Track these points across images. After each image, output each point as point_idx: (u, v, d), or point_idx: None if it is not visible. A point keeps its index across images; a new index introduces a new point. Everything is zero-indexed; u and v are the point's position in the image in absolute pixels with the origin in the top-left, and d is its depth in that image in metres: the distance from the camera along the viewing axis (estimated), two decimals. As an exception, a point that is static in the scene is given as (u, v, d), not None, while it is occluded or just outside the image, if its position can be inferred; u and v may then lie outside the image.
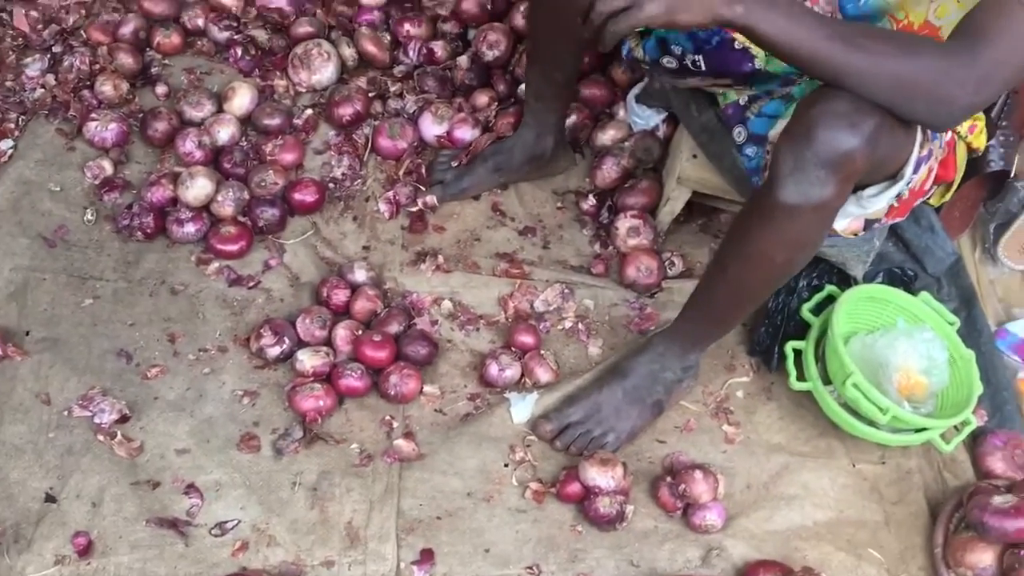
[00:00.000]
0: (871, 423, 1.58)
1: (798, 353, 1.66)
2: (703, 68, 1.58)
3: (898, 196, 1.40)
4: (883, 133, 1.21)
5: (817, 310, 1.71)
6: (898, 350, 1.61)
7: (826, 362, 1.63)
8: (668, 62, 1.62)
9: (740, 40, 1.52)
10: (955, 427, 1.60)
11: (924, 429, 1.57)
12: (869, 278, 1.77)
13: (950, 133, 1.50)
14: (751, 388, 1.72)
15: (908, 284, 1.77)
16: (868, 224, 1.47)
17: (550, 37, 1.66)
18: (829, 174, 1.22)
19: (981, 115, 1.56)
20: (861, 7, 1.42)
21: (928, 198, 1.60)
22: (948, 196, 1.62)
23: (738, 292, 1.46)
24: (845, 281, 1.75)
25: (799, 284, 1.74)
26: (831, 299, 1.70)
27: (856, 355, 1.60)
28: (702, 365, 1.68)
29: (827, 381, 1.63)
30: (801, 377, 1.64)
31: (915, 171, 1.34)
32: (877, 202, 1.38)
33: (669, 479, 1.55)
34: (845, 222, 1.44)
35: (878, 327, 1.69)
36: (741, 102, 1.61)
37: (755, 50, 1.53)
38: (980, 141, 1.56)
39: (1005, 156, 1.84)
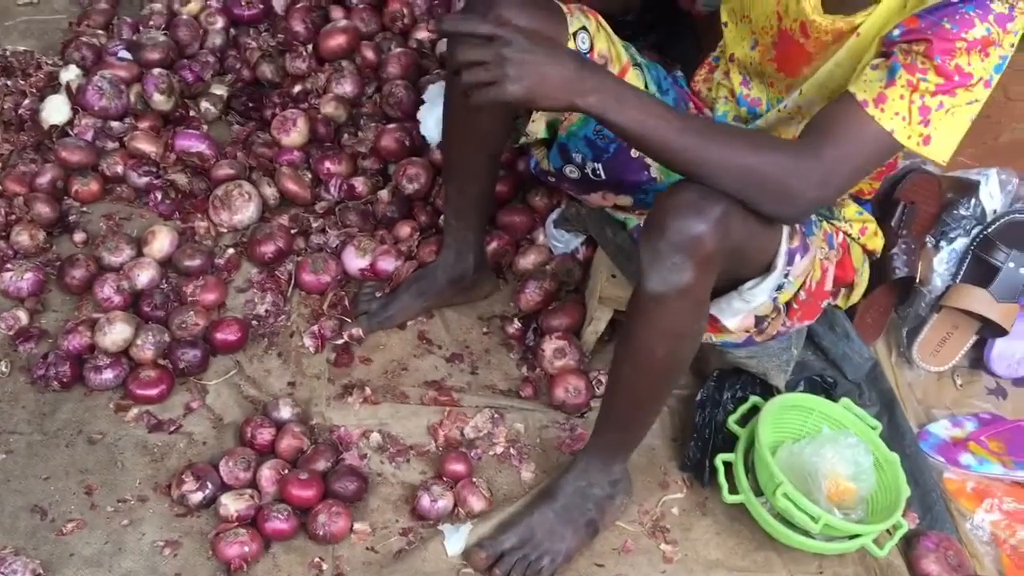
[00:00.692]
0: (805, 533, 1.58)
1: (728, 466, 1.67)
2: (603, 177, 1.65)
3: (784, 291, 1.46)
4: (732, 219, 1.28)
5: (743, 421, 1.73)
6: (825, 457, 1.63)
7: (756, 473, 1.64)
8: (571, 171, 1.68)
9: (636, 150, 1.60)
10: (887, 531, 1.61)
11: (857, 536, 1.58)
12: (791, 387, 1.80)
13: (842, 235, 1.58)
14: (686, 504, 1.72)
15: (829, 391, 1.81)
16: (759, 321, 1.51)
17: (463, 151, 1.71)
18: (684, 259, 1.28)
19: (871, 218, 1.65)
20: None
21: (835, 301, 1.66)
22: (854, 298, 1.69)
23: (634, 394, 1.49)
24: (769, 391, 1.78)
25: (724, 396, 1.77)
26: (756, 409, 1.72)
27: (784, 464, 1.62)
28: (636, 483, 1.68)
29: (759, 492, 1.64)
30: (733, 490, 1.65)
31: (790, 263, 1.40)
32: (758, 295, 1.44)
33: (609, 604, 1.52)
34: (736, 319, 1.49)
35: (803, 435, 1.72)
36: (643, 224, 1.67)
37: (649, 159, 1.61)
38: (875, 243, 1.64)
39: (909, 263, 1.93)
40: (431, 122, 2.06)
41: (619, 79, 1.30)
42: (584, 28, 1.56)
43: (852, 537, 1.59)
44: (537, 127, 1.68)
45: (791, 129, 1.51)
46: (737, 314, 1.50)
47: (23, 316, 1.79)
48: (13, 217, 1.92)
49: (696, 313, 1.39)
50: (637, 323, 1.40)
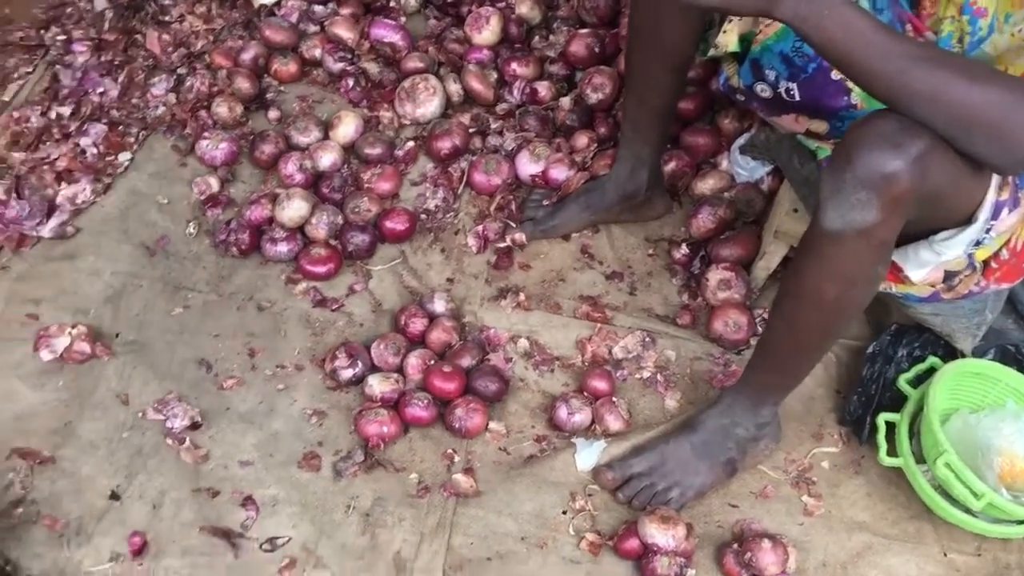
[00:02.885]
0: (967, 510, 1.45)
1: (891, 426, 1.55)
2: (798, 99, 1.51)
3: (983, 246, 1.29)
4: (933, 159, 1.12)
5: (917, 382, 1.59)
6: (1003, 433, 1.48)
7: (921, 439, 1.51)
8: (762, 90, 1.56)
9: (837, 71, 1.46)
10: (1063, 524, 1.45)
11: (1025, 522, 1.43)
12: (979, 353, 1.63)
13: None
14: (839, 460, 1.61)
15: (1022, 363, 1.62)
16: (949, 276, 1.36)
17: (646, 61, 1.63)
18: (871, 196, 1.14)
19: None
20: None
21: (1047, 267, 1.47)
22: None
23: (795, 336, 1.38)
24: (952, 355, 1.62)
25: (899, 353, 1.63)
26: (933, 372, 1.58)
27: (954, 434, 1.48)
28: (788, 431, 1.59)
29: (921, 460, 1.51)
30: (892, 452, 1.53)
31: (995, 217, 1.23)
32: (951, 248, 1.28)
33: (736, 546, 1.46)
34: (923, 272, 1.34)
35: (983, 406, 1.56)
36: None
37: (851, 83, 1.46)
38: None
39: None
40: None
41: None
42: None
43: (1021, 522, 1.43)
44: (729, 39, 1.56)
45: (1021, 60, 1.32)
46: (925, 266, 1.35)
47: (214, 183, 1.89)
48: (216, 89, 2.02)
49: (875, 258, 1.25)
50: (807, 259, 1.29)
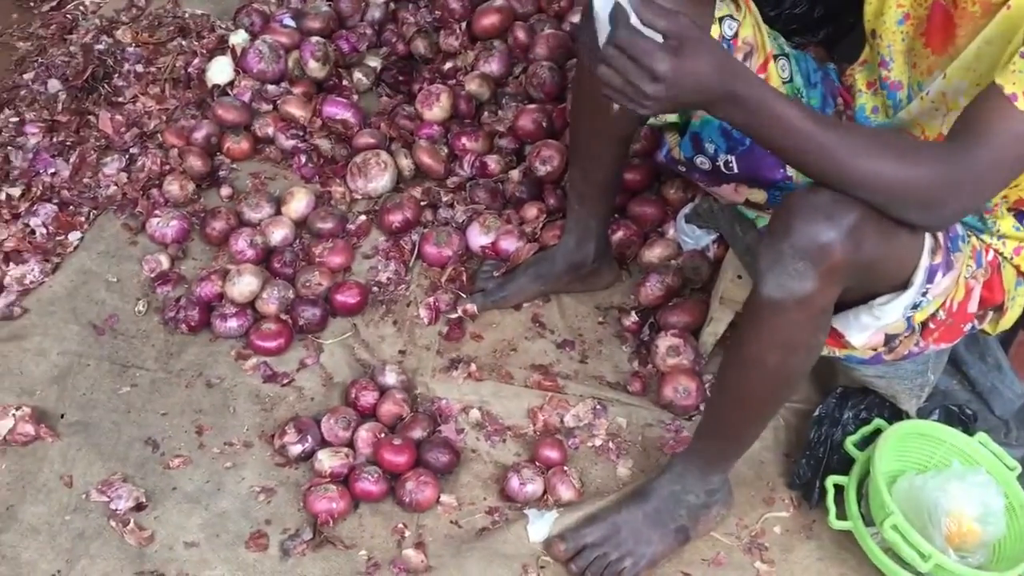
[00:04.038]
0: (916, 571, 1.45)
1: (840, 489, 1.56)
2: (736, 170, 1.56)
3: (920, 309, 1.32)
4: (866, 229, 1.17)
5: (863, 445, 1.60)
6: (950, 493, 1.48)
7: (869, 500, 1.52)
8: (702, 162, 1.60)
9: None
10: (1011, 582, 1.45)
11: (973, 582, 1.43)
12: (924, 414, 1.65)
13: (992, 253, 1.43)
14: (790, 524, 1.61)
15: (966, 424, 1.65)
16: (890, 339, 1.39)
17: (590, 134, 1.66)
18: (808, 267, 1.18)
19: None
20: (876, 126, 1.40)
21: (981, 326, 1.50)
22: (1005, 324, 1.53)
23: (741, 403, 1.40)
24: (897, 416, 1.64)
25: (845, 415, 1.64)
26: (879, 433, 1.59)
27: (902, 496, 1.49)
28: (738, 496, 1.59)
29: (870, 522, 1.51)
30: (842, 515, 1.53)
31: (930, 280, 1.27)
32: (890, 312, 1.31)
33: (689, 616, 1.45)
34: (863, 336, 1.36)
35: (929, 467, 1.57)
36: None
37: None
38: None
39: (1079, 293, 1.72)
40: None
41: (759, 82, 1.18)
42: (731, 16, 1.48)
43: (969, 584, 1.44)
44: None
45: (936, 122, 1.37)
46: (865, 330, 1.38)
47: (164, 260, 1.90)
48: (168, 167, 2.03)
49: (814, 326, 1.29)
50: (749, 328, 1.32)
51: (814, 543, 1.59)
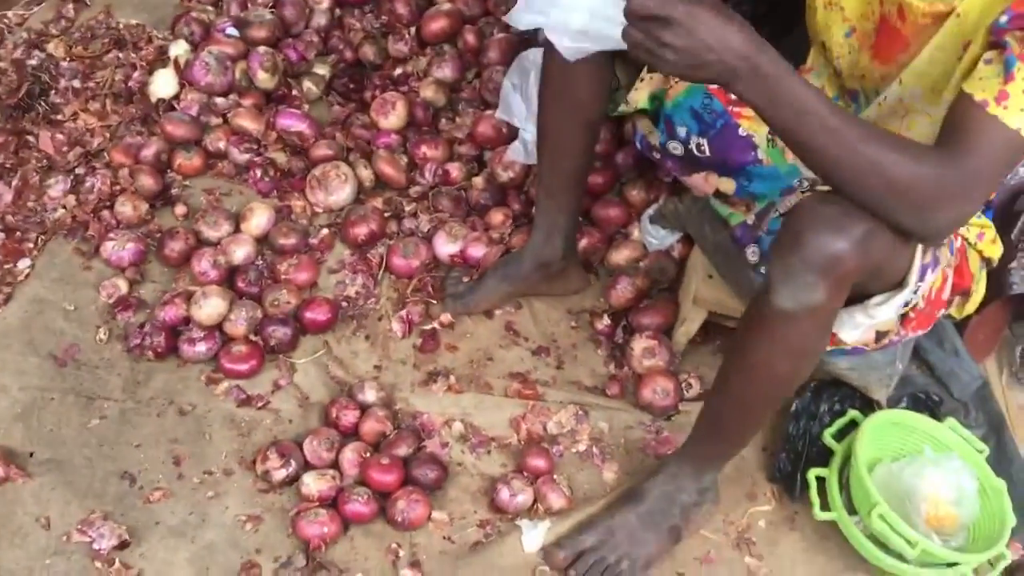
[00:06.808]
0: (899, 557, 1.50)
1: (821, 481, 1.60)
2: (707, 153, 1.59)
3: (910, 305, 1.37)
4: (875, 238, 1.20)
5: (840, 436, 1.65)
6: (926, 479, 1.54)
7: (851, 491, 1.57)
8: (674, 147, 1.63)
9: (744, 127, 1.55)
10: (988, 562, 1.52)
11: (955, 564, 1.49)
12: (893, 402, 1.71)
13: (959, 239, 1.48)
14: (773, 517, 1.65)
15: (933, 409, 1.72)
16: (880, 336, 1.44)
17: (558, 122, 1.66)
18: (819, 279, 1.21)
19: (989, 223, 1.53)
20: None
21: (948, 311, 1.56)
22: (969, 308, 1.58)
23: (743, 407, 1.43)
24: (868, 406, 1.70)
25: (820, 409, 1.69)
26: (854, 424, 1.65)
27: (881, 484, 1.54)
28: (722, 492, 1.62)
29: (852, 511, 1.56)
30: (825, 506, 1.58)
31: (921, 279, 1.31)
32: (884, 311, 1.35)
33: (688, 615, 1.48)
34: (856, 333, 1.40)
35: (904, 454, 1.63)
36: (749, 222, 1.61)
37: (758, 139, 1.56)
38: (992, 251, 1.53)
39: (1028, 277, 1.81)
40: (515, 102, 1.97)
41: (780, 58, 1.13)
42: None
43: (950, 565, 1.50)
44: (639, 96, 1.62)
45: (893, 125, 1.41)
46: (858, 327, 1.40)
47: (123, 285, 1.83)
48: (118, 188, 1.97)
49: (823, 331, 1.32)
50: (758, 337, 1.33)
51: (798, 534, 1.63)
